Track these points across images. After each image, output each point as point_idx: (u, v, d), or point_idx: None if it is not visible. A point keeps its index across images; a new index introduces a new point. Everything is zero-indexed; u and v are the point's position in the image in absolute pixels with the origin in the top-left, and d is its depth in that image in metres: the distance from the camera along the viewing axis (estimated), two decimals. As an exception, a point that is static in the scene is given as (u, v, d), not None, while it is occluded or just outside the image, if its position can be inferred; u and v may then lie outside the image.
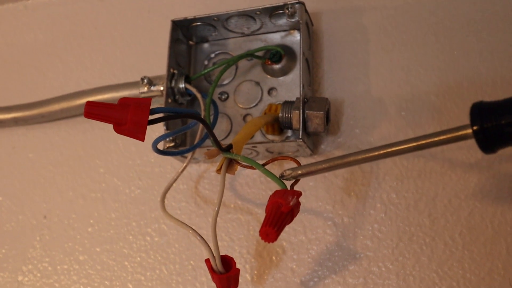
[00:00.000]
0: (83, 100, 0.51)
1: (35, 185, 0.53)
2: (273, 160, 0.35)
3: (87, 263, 0.49)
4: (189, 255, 0.46)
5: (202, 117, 0.42)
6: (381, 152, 0.31)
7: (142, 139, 0.30)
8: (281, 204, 0.29)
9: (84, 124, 0.54)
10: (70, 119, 0.54)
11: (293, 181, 0.33)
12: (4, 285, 0.51)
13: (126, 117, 0.30)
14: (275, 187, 0.45)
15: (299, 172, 0.34)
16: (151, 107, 0.30)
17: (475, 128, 0.26)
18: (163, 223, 0.48)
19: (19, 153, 0.55)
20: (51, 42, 0.59)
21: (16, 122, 0.54)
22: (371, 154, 0.31)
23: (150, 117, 0.30)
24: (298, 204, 0.30)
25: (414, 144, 0.29)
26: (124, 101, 0.30)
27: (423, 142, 0.28)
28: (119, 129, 0.30)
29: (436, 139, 0.28)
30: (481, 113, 0.26)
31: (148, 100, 0.30)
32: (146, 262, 0.47)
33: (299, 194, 0.31)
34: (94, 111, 0.30)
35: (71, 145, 0.54)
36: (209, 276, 0.44)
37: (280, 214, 0.29)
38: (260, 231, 0.29)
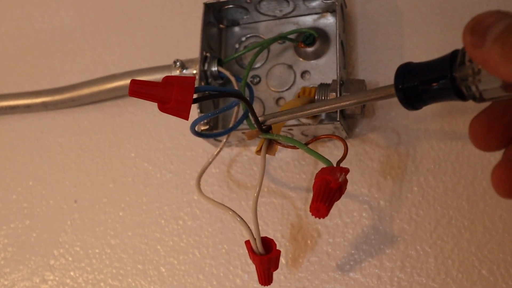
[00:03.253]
0: (113, 84, 0.51)
1: (64, 170, 0.53)
2: (316, 139, 0.35)
3: (119, 247, 0.49)
4: (223, 239, 0.46)
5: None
6: (323, 107, 0.32)
7: (187, 118, 0.30)
8: (329, 180, 0.29)
9: (113, 108, 0.54)
10: (98, 104, 0.54)
11: (340, 162, 0.33)
12: (36, 269, 0.51)
13: (171, 95, 0.29)
14: (309, 170, 0.45)
15: (271, 119, 0.35)
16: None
17: (397, 88, 0.28)
18: (195, 207, 0.47)
19: (48, 138, 0.55)
20: (79, 27, 0.59)
21: (45, 106, 0.54)
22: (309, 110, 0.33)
23: (194, 96, 0.29)
24: (346, 181, 0.30)
25: (354, 100, 0.30)
26: (168, 79, 0.30)
27: (362, 99, 0.30)
28: (163, 108, 0.30)
29: (372, 96, 0.30)
30: (404, 74, 0.28)
31: (192, 78, 0.30)
32: (179, 246, 0.47)
33: (346, 171, 0.30)
34: (139, 89, 0.29)
35: (101, 129, 0.54)
36: (243, 260, 0.44)
37: (329, 190, 0.28)
38: (310, 207, 0.29)
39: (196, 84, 0.45)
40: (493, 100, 0.26)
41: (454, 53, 0.26)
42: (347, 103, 0.31)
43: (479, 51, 0.23)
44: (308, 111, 0.33)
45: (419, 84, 0.27)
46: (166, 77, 0.30)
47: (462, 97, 0.26)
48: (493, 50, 0.22)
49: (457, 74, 0.26)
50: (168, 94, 0.29)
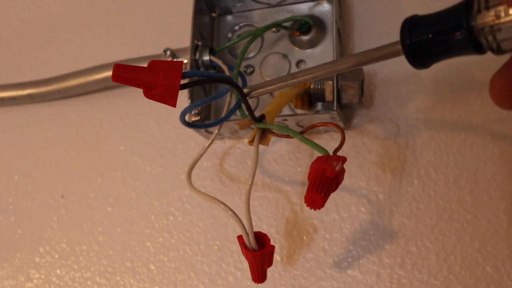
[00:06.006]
0: (101, 75, 0.49)
1: (51, 164, 0.51)
2: (311, 127, 0.33)
3: (107, 243, 0.47)
4: (215, 235, 0.44)
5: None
6: (317, 72, 0.30)
7: (174, 105, 0.28)
8: (325, 169, 0.27)
9: (101, 100, 0.52)
10: (87, 96, 0.52)
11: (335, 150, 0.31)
12: (21, 267, 0.49)
13: (157, 80, 0.27)
14: (305, 163, 0.44)
15: (260, 90, 0.32)
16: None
17: (404, 43, 0.26)
18: (186, 201, 0.46)
19: (35, 131, 0.53)
20: (66, 16, 0.57)
21: (31, 98, 0.52)
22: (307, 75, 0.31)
23: (182, 81, 0.28)
24: (343, 170, 0.28)
25: (355, 61, 0.29)
26: (154, 63, 0.28)
27: (362, 59, 0.29)
28: (149, 94, 0.28)
29: (373, 55, 0.28)
30: (411, 28, 0.26)
31: (179, 63, 0.28)
32: (169, 243, 0.45)
33: (344, 159, 0.28)
34: (123, 73, 0.27)
35: (89, 122, 0.52)
36: (236, 257, 0.43)
37: (325, 180, 0.27)
38: (305, 198, 0.27)
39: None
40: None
41: (469, 1, 0.24)
42: (345, 65, 0.29)
43: None
44: (300, 78, 0.31)
45: (429, 38, 0.25)
46: (152, 61, 0.28)
47: (480, 49, 0.24)
48: None
49: (474, 23, 0.23)
50: (154, 79, 0.27)
